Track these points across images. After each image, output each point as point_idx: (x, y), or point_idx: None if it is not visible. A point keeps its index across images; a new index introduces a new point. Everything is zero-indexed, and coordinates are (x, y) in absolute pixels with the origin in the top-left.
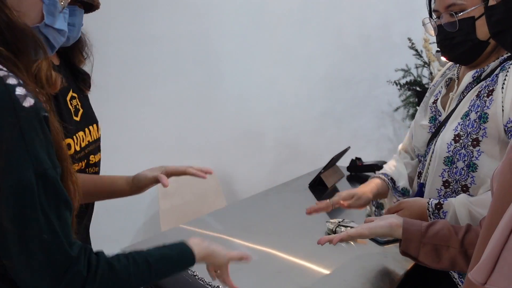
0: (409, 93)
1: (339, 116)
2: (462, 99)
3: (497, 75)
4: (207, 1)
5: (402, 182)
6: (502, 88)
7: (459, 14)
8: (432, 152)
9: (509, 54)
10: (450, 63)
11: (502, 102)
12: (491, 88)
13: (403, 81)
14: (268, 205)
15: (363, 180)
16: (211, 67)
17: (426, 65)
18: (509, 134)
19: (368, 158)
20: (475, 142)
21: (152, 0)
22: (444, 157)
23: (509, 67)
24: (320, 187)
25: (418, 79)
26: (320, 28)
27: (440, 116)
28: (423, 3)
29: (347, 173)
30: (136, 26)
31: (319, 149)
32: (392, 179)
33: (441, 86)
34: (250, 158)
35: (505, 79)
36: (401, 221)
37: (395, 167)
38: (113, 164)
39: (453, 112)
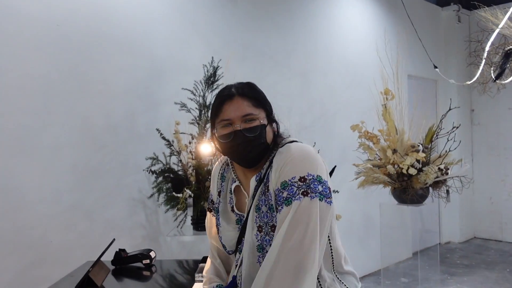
0: (160, 179)
1: (89, 208)
2: (253, 198)
3: (269, 174)
4: None
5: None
6: (270, 180)
7: (254, 122)
8: (247, 244)
9: (274, 154)
10: (217, 169)
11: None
12: (267, 184)
13: (154, 168)
14: None
15: (129, 273)
16: None
17: (176, 154)
18: (277, 199)
19: (122, 247)
20: (273, 228)
21: None
22: (256, 246)
23: (272, 163)
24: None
25: (167, 166)
26: (65, 117)
27: (242, 216)
28: (164, 98)
29: (112, 267)
30: None
31: (71, 245)
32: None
33: (231, 193)
34: None
35: (270, 171)
36: None
37: (217, 271)
38: None
39: (250, 210)
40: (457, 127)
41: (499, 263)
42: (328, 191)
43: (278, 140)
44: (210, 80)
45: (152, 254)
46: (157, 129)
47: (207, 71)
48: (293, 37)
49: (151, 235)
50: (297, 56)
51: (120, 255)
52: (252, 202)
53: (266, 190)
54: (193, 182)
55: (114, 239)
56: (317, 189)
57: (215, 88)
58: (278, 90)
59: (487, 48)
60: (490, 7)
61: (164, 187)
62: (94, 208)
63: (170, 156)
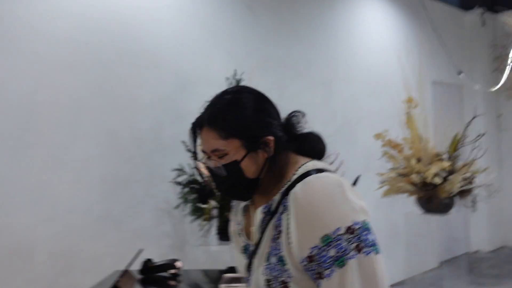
0: (186, 190)
1: (118, 218)
2: (262, 233)
3: (281, 215)
4: None
5: None
6: (287, 229)
7: (225, 159)
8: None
9: (286, 186)
10: None
11: (289, 243)
12: (279, 229)
13: (179, 180)
14: None
15: (156, 282)
16: None
17: None
18: (309, 272)
19: (149, 256)
20: (283, 285)
21: None
22: None
23: (288, 206)
24: None
25: (193, 177)
26: (94, 131)
27: (249, 246)
28: (189, 110)
29: (139, 276)
30: None
31: (100, 254)
32: None
33: (240, 214)
34: (16, 276)
35: (288, 220)
36: None
37: None
38: None
39: (257, 249)
40: (483, 135)
41: None
42: (375, 237)
43: (287, 163)
44: None
45: (178, 264)
46: (183, 141)
47: (230, 83)
48: (314, 46)
49: (177, 244)
50: (318, 65)
51: (147, 264)
52: (261, 240)
53: (277, 237)
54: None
55: (141, 250)
56: (369, 240)
57: None
58: (300, 100)
59: (511, 54)
60: None
61: (190, 198)
62: (122, 218)
63: (195, 168)
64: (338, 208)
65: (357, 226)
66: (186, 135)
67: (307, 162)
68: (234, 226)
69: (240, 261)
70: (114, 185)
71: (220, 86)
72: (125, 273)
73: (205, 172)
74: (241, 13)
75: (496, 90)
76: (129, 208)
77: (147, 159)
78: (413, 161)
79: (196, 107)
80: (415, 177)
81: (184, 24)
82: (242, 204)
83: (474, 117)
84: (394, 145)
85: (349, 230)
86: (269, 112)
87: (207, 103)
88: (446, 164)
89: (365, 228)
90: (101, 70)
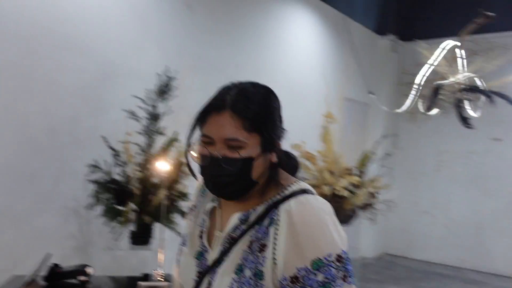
0: (100, 189)
1: (19, 215)
2: (232, 243)
3: (267, 228)
4: None
5: None
6: (274, 244)
7: (241, 151)
8: None
9: (274, 199)
10: (201, 181)
11: (274, 259)
12: (262, 243)
13: (93, 177)
14: None
15: None
16: None
17: (123, 165)
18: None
19: (51, 258)
20: None
21: None
22: None
23: (278, 221)
24: None
25: (109, 175)
26: (2, 114)
27: (206, 252)
28: (111, 104)
29: (43, 283)
30: None
31: None
32: None
33: (204, 215)
34: None
35: (276, 235)
36: None
37: None
38: None
39: (223, 257)
40: (389, 155)
41: (406, 279)
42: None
43: (279, 178)
44: (163, 90)
45: (89, 270)
46: (103, 137)
47: (161, 80)
48: (244, 50)
49: (82, 246)
50: (246, 70)
51: (54, 270)
52: (230, 249)
53: (259, 249)
54: (138, 195)
55: (49, 254)
56: (351, 271)
57: (168, 99)
58: None
59: (417, 81)
60: (424, 40)
61: (103, 198)
62: (23, 215)
63: (115, 166)
64: (331, 235)
65: (344, 256)
66: (105, 129)
67: (297, 181)
68: (193, 227)
69: (188, 266)
70: (19, 178)
71: (148, 81)
72: (32, 282)
73: (196, 159)
74: (177, 9)
75: (398, 112)
76: (33, 204)
77: (59, 151)
78: (326, 174)
79: (119, 100)
80: (326, 189)
81: (116, 12)
82: (208, 205)
83: (384, 136)
84: (310, 157)
85: (338, 258)
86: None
87: (228, 88)
88: (355, 178)
89: (348, 258)
90: (18, 47)
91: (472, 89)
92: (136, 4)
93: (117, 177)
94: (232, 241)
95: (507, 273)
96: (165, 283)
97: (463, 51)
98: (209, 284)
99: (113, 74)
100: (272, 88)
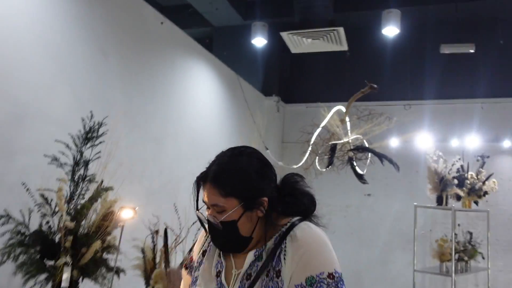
0: (13, 241)
1: None
2: (250, 279)
3: (279, 256)
4: None
5: None
6: (284, 266)
7: (222, 214)
8: None
9: (280, 233)
10: None
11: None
12: (278, 269)
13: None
14: None
15: None
16: None
17: (53, 214)
18: None
19: None
20: None
21: None
22: None
23: (285, 247)
24: None
25: (23, 225)
26: None
27: None
28: (24, 146)
29: None
30: None
31: None
32: None
33: (219, 257)
34: None
35: (284, 260)
36: None
37: None
38: None
39: None
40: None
41: None
42: None
43: (276, 218)
44: (89, 135)
45: None
46: (23, 183)
47: (85, 126)
48: (153, 100)
49: None
50: (154, 120)
51: None
52: (254, 284)
53: (276, 275)
54: (69, 248)
55: None
56: None
57: (94, 145)
58: (133, 153)
59: (312, 141)
60: (304, 103)
61: (18, 252)
62: None
63: (43, 216)
64: (326, 255)
65: (336, 275)
66: (16, 175)
67: (294, 217)
68: (209, 267)
69: None
70: None
71: (63, 124)
72: None
73: (204, 221)
74: (92, 54)
75: (297, 167)
76: None
77: None
78: None
79: (31, 144)
80: None
81: (28, 49)
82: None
83: None
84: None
85: (330, 276)
86: (269, 177)
87: (215, 159)
88: None
89: (342, 278)
90: None
91: (361, 148)
92: (51, 43)
93: (42, 228)
94: (248, 277)
95: None
96: None
97: (347, 117)
98: None
99: (24, 116)
100: (251, 149)
